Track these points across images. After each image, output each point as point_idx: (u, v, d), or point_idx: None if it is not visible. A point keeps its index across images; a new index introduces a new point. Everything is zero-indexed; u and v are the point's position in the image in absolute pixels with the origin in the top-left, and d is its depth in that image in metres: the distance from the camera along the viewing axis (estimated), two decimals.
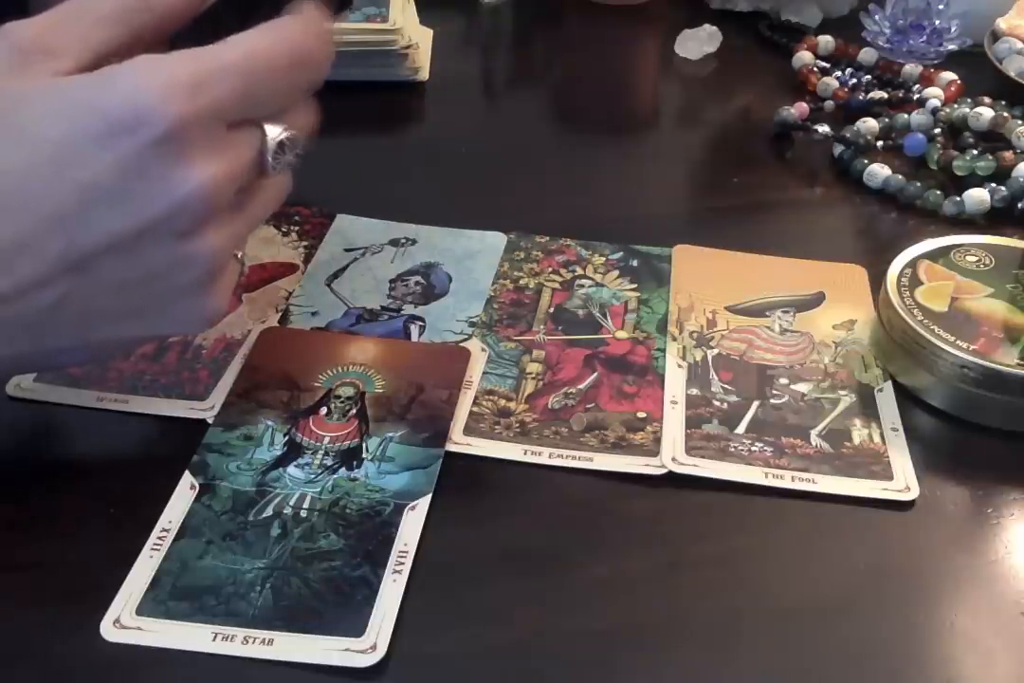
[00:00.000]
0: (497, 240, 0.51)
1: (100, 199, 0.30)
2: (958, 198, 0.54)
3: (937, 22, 0.67)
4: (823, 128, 0.60)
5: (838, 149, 0.59)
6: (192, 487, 0.36)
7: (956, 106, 0.60)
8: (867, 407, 0.42)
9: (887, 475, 0.38)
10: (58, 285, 0.31)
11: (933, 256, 0.46)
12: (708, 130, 0.64)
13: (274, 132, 0.33)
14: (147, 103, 0.29)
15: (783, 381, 0.43)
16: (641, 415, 0.41)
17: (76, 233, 0.30)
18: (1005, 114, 0.59)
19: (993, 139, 0.58)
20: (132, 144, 0.29)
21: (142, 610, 0.32)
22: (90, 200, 0.30)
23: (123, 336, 0.34)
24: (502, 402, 0.41)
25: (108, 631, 0.32)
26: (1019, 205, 0.54)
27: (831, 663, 0.32)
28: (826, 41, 0.70)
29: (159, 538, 0.35)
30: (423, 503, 0.36)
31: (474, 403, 0.41)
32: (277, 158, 0.33)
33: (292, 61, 0.32)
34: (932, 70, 0.66)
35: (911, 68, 0.67)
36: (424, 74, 0.65)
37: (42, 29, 0.32)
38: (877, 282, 0.46)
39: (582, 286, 0.48)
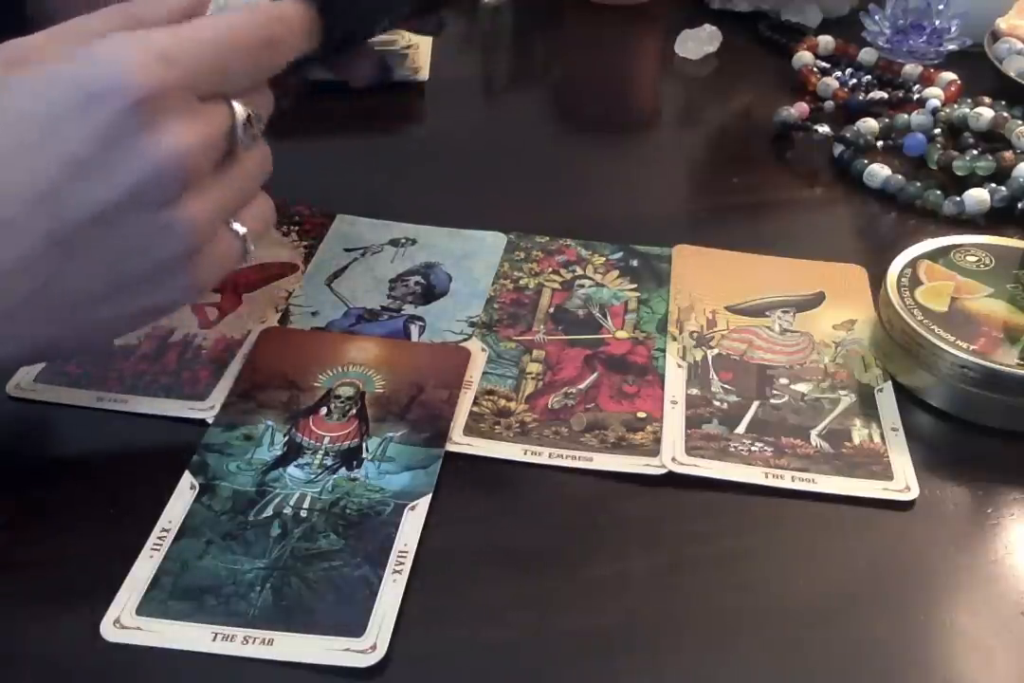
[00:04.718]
0: (497, 240, 0.51)
1: (81, 172, 0.30)
2: (958, 198, 0.54)
3: (937, 22, 0.68)
4: (823, 128, 0.60)
5: (838, 149, 0.59)
6: (192, 487, 0.36)
7: (956, 106, 0.60)
8: (867, 407, 0.42)
9: (887, 475, 0.38)
10: (42, 266, 0.31)
11: (933, 256, 0.46)
12: (708, 130, 0.64)
13: (240, 107, 0.34)
14: (121, 72, 0.30)
15: (783, 381, 0.43)
16: (641, 415, 0.41)
17: (60, 209, 0.30)
18: (1005, 114, 0.59)
19: (993, 139, 0.59)
20: (106, 113, 0.30)
21: (142, 610, 0.32)
22: (71, 174, 0.30)
23: (107, 316, 0.33)
24: (502, 402, 0.41)
25: (108, 631, 0.32)
26: (1019, 205, 0.54)
27: (831, 663, 0.32)
28: (826, 41, 0.70)
29: (159, 538, 0.35)
30: (423, 503, 0.36)
31: (474, 403, 0.41)
32: (246, 131, 0.34)
33: (262, 42, 0.33)
34: (932, 70, 0.66)
35: (911, 68, 0.67)
36: (424, 74, 0.65)
37: (42, 47, 0.33)
38: (877, 282, 0.46)
39: (582, 286, 0.48)
